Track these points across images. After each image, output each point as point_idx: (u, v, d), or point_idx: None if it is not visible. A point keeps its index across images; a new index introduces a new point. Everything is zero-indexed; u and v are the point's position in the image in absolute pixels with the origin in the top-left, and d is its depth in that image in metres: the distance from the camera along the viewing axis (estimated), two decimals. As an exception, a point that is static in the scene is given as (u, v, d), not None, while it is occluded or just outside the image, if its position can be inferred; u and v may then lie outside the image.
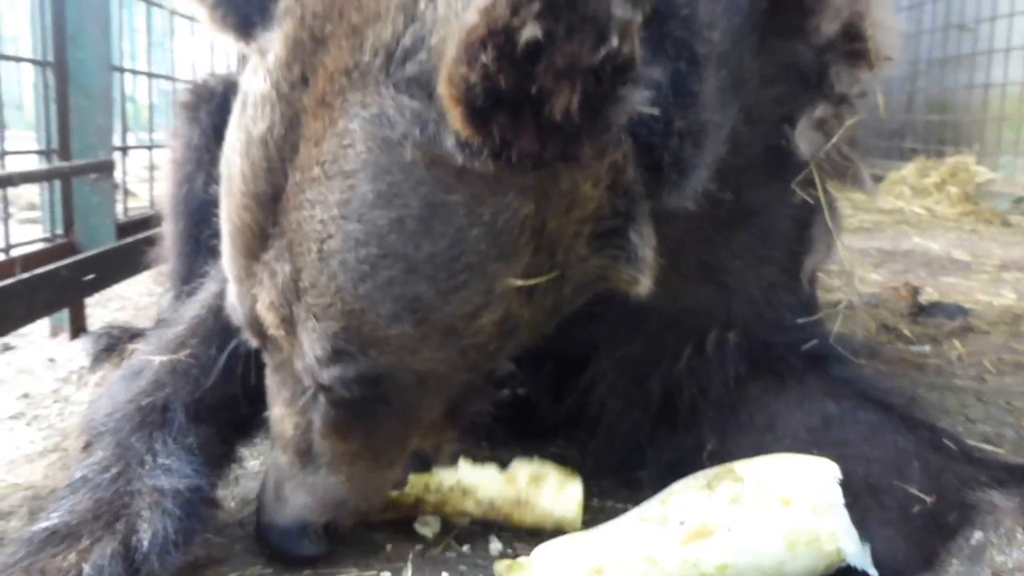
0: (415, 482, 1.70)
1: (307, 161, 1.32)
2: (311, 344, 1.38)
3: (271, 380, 1.58)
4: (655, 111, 1.35)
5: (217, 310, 1.80)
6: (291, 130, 1.34)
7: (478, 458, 1.76)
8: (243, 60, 1.64)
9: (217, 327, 1.79)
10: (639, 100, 1.25)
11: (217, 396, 1.74)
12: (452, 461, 1.72)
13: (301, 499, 1.57)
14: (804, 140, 1.65)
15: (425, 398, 1.53)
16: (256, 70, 1.41)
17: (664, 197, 1.49)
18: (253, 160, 1.37)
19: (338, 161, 1.29)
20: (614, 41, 1.10)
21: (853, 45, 1.65)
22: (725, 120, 1.57)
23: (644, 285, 1.49)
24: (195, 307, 1.90)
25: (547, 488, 1.67)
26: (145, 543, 1.44)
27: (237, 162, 1.40)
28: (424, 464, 1.72)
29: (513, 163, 1.25)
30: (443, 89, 1.18)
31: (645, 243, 1.46)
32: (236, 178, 1.40)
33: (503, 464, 1.73)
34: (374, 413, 1.50)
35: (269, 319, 1.42)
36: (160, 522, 1.46)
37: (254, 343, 1.56)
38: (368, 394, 1.44)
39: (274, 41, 1.39)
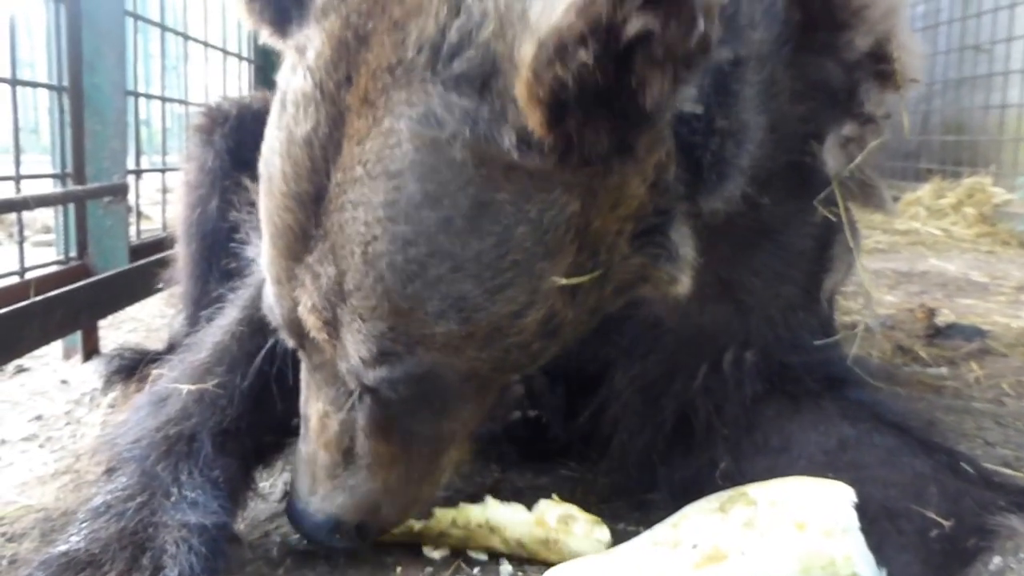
0: (441, 517, 1.70)
1: (350, 161, 1.30)
2: (356, 346, 1.38)
3: (309, 379, 1.58)
4: (699, 109, 1.36)
5: (240, 336, 1.82)
6: (335, 129, 1.32)
7: (489, 480, 1.75)
8: (257, 83, 1.65)
9: (241, 354, 1.79)
10: (688, 95, 1.27)
11: (243, 425, 1.74)
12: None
13: (338, 498, 1.58)
14: (832, 157, 1.63)
15: (467, 401, 1.53)
16: (295, 68, 1.40)
17: (702, 199, 1.49)
18: (296, 160, 1.36)
19: (383, 161, 1.28)
20: (702, 24, 1.09)
21: (880, 66, 1.65)
22: (760, 125, 1.56)
23: (684, 284, 1.47)
24: (218, 333, 1.89)
25: (577, 529, 1.66)
26: None
27: (277, 162, 1.39)
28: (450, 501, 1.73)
29: (573, 159, 1.25)
30: (522, 90, 1.16)
31: (685, 242, 1.46)
32: (277, 178, 1.39)
33: (531, 493, 1.75)
34: (417, 414, 1.51)
35: (311, 322, 1.42)
36: (187, 560, 1.44)
37: (291, 344, 1.56)
38: (413, 394, 1.44)
39: (313, 38, 1.37)
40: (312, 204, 1.35)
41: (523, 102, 1.17)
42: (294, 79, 1.39)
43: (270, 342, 1.74)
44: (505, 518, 1.69)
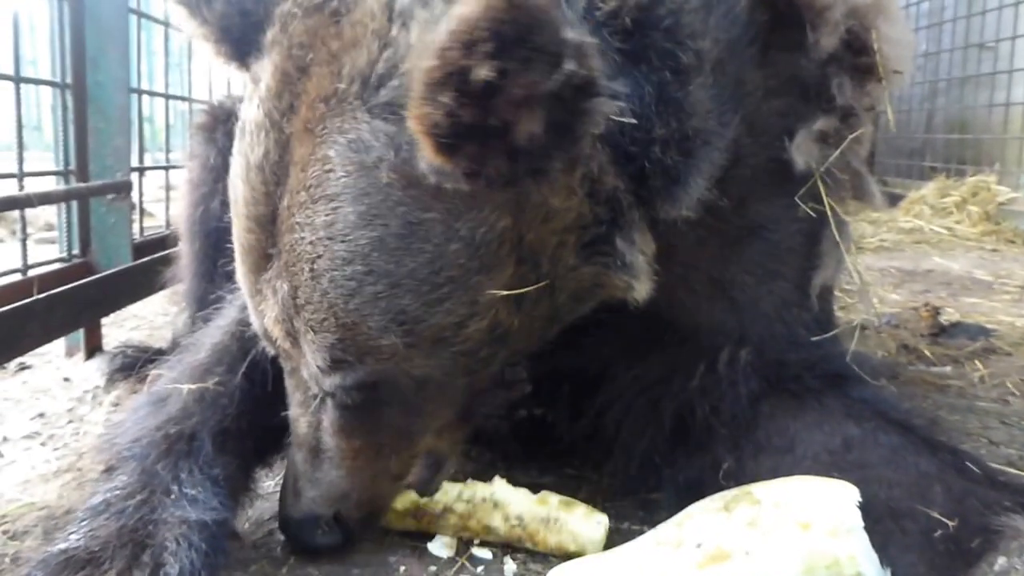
0: (448, 490, 1.74)
1: (296, 185, 1.41)
2: (312, 355, 1.48)
3: (288, 383, 1.65)
4: (631, 120, 1.39)
5: (240, 336, 1.83)
6: (282, 156, 1.43)
7: (492, 478, 1.76)
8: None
9: (240, 354, 1.80)
10: (609, 111, 1.30)
11: (243, 424, 1.74)
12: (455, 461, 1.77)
13: (310, 493, 1.64)
14: (800, 152, 1.66)
15: (427, 401, 1.59)
16: (251, 98, 1.50)
17: (658, 206, 1.53)
18: (252, 185, 1.47)
19: (322, 185, 1.37)
20: (569, 65, 1.16)
21: (859, 59, 1.66)
22: (723, 129, 1.59)
23: (640, 291, 1.53)
24: (217, 333, 1.90)
25: (577, 511, 1.71)
26: None
27: (240, 186, 1.50)
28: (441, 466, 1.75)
29: (484, 182, 1.31)
30: (411, 124, 1.23)
31: (636, 249, 1.51)
32: (240, 202, 1.50)
33: (535, 488, 1.77)
34: (377, 414, 1.58)
35: (276, 332, 1.52)
36: (187, 556, 1.45)
37: (271, 351, 1.64)
38: (368, 398, 1.53)
39: (264, 70, 1.48)
40: (268, 225, 1.46)
41: (416, 133, 1.25)
42: (249, 108, 1.51)
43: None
44: (509, 495, 1.73)
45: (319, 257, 1.39)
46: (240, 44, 1.57)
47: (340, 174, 1.36)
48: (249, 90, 1.54)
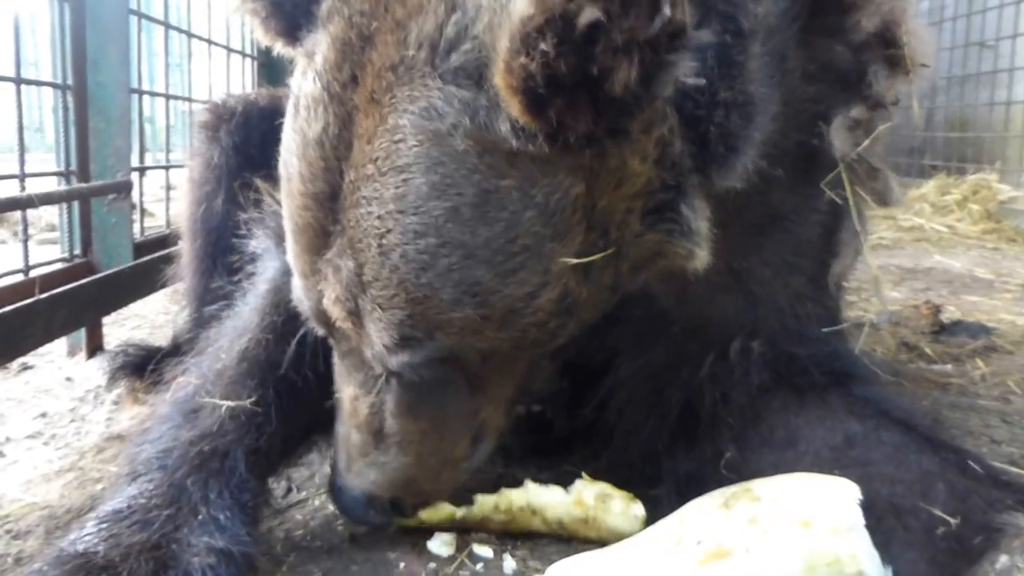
0: (484, 502, 1.75)
1: (361, 159, 1.36)
2: (379, 334, 1.44)
3: (340, 365, 1.64)
4: (701, 82, 1.36)
5: (267, 345, 1.79)
6: (344, 129, 1.38)
7: (492, 475, 1.76)
8: (261, 80, 1.66)
9: (268, 366, 1.77)
10: (686, 70, 1.27)
11: (274, 443, 1.73)
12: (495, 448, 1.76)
13: (372, 475, 1.63)
14: (839, 138, 1.66)
15: (491, 376, 1.58)
16: (305, 73, 1.45)
17: (714, 172, 1.49)
18: (310, 161, 1.42)
19: (391, 157, 1.33)
20: (667, 9, 1.12)
21: (889, 50, 1.67)
22: (771, 99, 1.56)
23: (701, 259, 1.50)
24: (241, 339, 1.85)
25: (614, 506, 1.71)
26: None
27: (295, 163, 1.45)
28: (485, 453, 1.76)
29: (566, 143, 1.27)
30: (500, 80, 1.21)
31: (698, 215, 1.48)
32: (295, 179, 1.45)
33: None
34: (443, 393, 1.56)
35: (336, 312, 1.47)
36: None
37: (321, 332, 1.61)
38: (436, 375, 1.50)
39: (320, 43, 1.43)
40: (329, 202, 1.41)
41: (503, 91, 1.22)
42: (304, 83, 1.45)
43: (292, 349, 1.76)
44: (545, 500, 1.73)
45: (388, 232, 1.35)
46: (291, 19, 1.52)
47: (412, 143, 1.32)
48: (302, 65, 1.49)
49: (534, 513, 1.74)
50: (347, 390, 1.63)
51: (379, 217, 1.35)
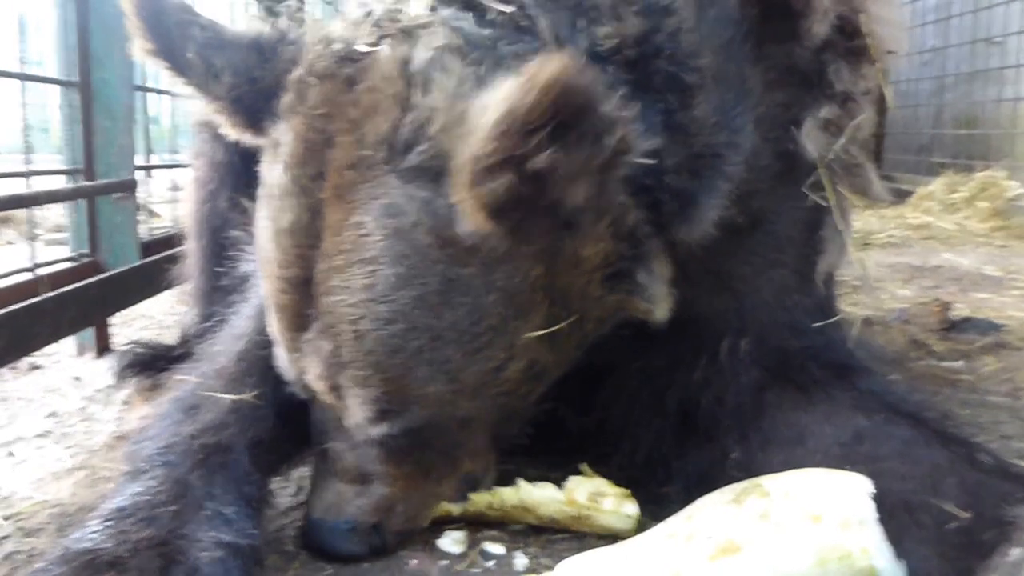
0: (478, 500, 1.76)
1: (331, 249, 1.45)
2: (358, 408, 1.53)
3: (323, 420, 1.66)
4: (650, 162, 1.43)
5: (263, 344, 1.79)
6: (314, 221, 1.47)
7: (506, 474, 1.76)
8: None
9: (266, 364, 1.77)
10: (634, 159, 1.37)
11: (274, 436, 1.73)
12: (492, 481, 1.79)
13: (356, 502, 1.66)
14: (811, 141, 1.68)
15: (468, 435, 1.66)
16: (273, 163, 1.55)
17: (674, 230, 1.56)
18: (284, 248, 1.51)
19: (358, 249, 1.42)
20: (610, 139, 1.24)
21: (852, 42, 1.67)
22: (739, 138, 1.60)
23: (660, 314, 1.58)
24: (239, 342, 1.86)
25: (606, 504, 1.71)
26: None
27: (271, 249, 1.54)
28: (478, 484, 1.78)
29: (522, 240, 1.38)
30: (458, 196, 1.30)
31: (655, 279, 1.56)
32: (272, 263, 1.54)
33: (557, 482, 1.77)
34: (421, 450, 1.63)
35: (318, 387, 1.56)
36: None
37: (303, 397, 1.67)
38: (415, 440, 1.59)
39: (285, 135, 1.52)
40: (303, 286, 1.50)
41: (463, 205, 1.31)
42: (273, 172, 1.54)
43: None
44: (537, 498, 1.74)
45: (361, 318, 1.44)
46: (252, 112, 1.58)
47: (376, 238, 1.40)
48: (269, 154, 1.57)
49: (527, 510, 1.75)
50: (332, 444, 1.66)
51: (351, 304, 1.43)
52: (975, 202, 6.63)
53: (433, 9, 1.48)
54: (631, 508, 1.70)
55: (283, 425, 1.75)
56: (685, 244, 1.59)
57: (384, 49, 1.45)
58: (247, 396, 1.71)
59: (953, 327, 3.40)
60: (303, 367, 1.57)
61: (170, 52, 1.56)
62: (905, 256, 5.38)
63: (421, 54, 1.41)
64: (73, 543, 1.43)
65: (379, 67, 1.43)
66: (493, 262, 1.41)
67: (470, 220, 1.33)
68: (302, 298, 1.51)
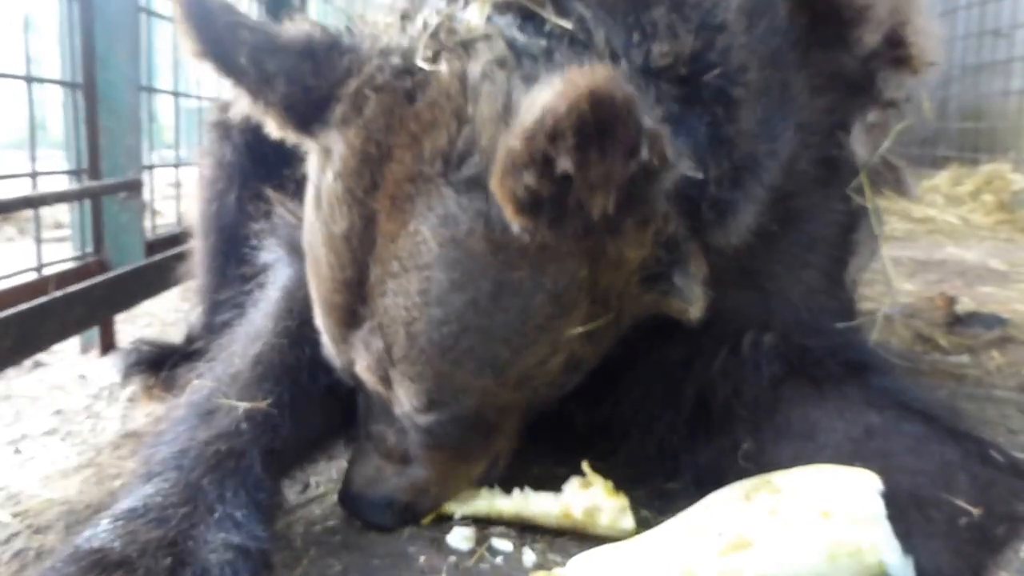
0: (477, 508, 1.79)
1: (386, 256, 1.50)
2: (408, 399, 1.61)
3: (369, 404, 1.76)
4: (697, 175, 1.48)
5: (281, 349, 1.84)
6: (368, 228, 1.52)
7: (513, 470, 1.76)
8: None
9: (282, 369, 1.81)
10: (678, 174, 1.39)
11: (288, 444, 1.74)
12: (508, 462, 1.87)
13: (394, 481, 1.75)
14: (860, 144, 1.73)
15: (505, 420, 1.75)
16: (324, 169, 1.58)
17: (709, 236, 1.60)
18: (338, 252, 1.56)
19: (413, 257, 1.47)
20: (644, 154, 1.25)
21: (897, 52, 1.72)
22: (778, 147, 1.65)
23: (694, 314, 1.62)
24: (256, 344, 1.86)
25: (602, 519, 1.71)
26: None
27: (323, 252, 1.59)
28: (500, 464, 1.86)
29: (566, 235, 1.40)
30: (495, 190, 1.32)
31: (691, 281, 1.59)
32: (324, 266, 1.60)
33: (553, 478, 1.79)
34: (463, 436, 1.71)
35: (367, 378, 1.64)
36: None
37: (350, 383, 1.75)
38: (459, 428, 1.67)
39: (337, 144, 1.55)
40: (357, 287, 1.56)
41: (499, 199, 1.34)
42: (325, 179, 1.58)
43: (306, 355, 1.81)
44: (534, 511, 1.75)
45: (415, 320, 1.50)
46: (304, 118, 1.59)
47: (432, 246, 1.45)
48: (320, 158, 1.60)
49: (524, 521, 1.77)
50: (376, 425, 1.75)
51: (405, 308, 1.50)
52: (980, 195, 6.61)
53: (489, 18, 1.50)
54: (627, 522, 1.69)
55: (298, 428, 1.76)
56: (719, 249, 1.63)
57: (444, 65, 1.47)
58: (262, 404, 1.71)
59: (958, 321, 3.39)
60: (352, 359, 1.64)
61: (220, 55, 1.55)
62: (909, 250, 5.37)
63: (477, 68, 1.44)
64: (83, 542, 1.43)
65: (440, 83, 1.46)
66: (542, 263, 1.45)
67: (506, 212, 1.35)
68: (355, 298, 1.57)
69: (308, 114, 1.58)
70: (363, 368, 1.62)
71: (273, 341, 1.85)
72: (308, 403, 1.80)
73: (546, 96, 1.19)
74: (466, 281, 1.46)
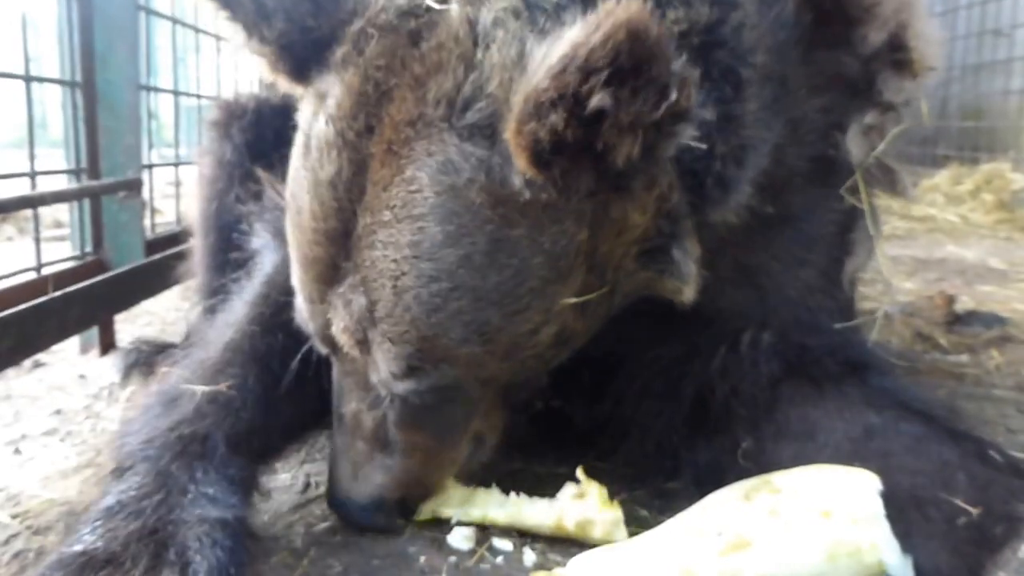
0: (471, 513, 1.77)
1: (376, 204, 1.43)
2: (386, 363, 1.52)
3: (342, 381, 1.69)
4: (702, 146, 1.43)
5: (252, 335, 1.83)
6: (358, 175, 1.45)
7: (510, 469, 1.76)
8: (270, 87, 1.67)
9: (252, 354, 1.80)
10: (688, 135, 1.33)
11: (255, 427, 1.73)
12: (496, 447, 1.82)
13: (379, 479, 1.69)
14: (855, 146, 1.73)
15: (488, 394, 1.68)
16: (317, 114, 1.50)
17: (707, 212, 1.58)
18: (322, 200, 1.48)
19: (407, 206, 1.40)
20: (673, 95, 1.20)
21: (897, 55, 1.72)
22: (769, 135, 1.63)
23: (688, 295, 1.58)
24: (228, 331, 1.88)
25: (595, 532, 1.69)
26: (202, 574, 1.40)
27: (306, 200, 1.51)
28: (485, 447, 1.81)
29: (571, 194, 1.36)
30: (510, 137, 1.26)
31: (688, 258, 1.56)
32: (306, 214, 1.52)
33: (550, 491, 1.76)
34: (442, 409, 1.64)
35: (344, 340, 1.55)
36: (213, 553, 1.43)
37: (324, 352, 1.68)
38: (438, 399, 1.59)
39: (333, 87, 1.48)
40: (341, 239, 1.48)
41: (512, 147, 1.29)
42: (316, 124, 1.51)
43: (279, 341, 1.79)
44: (528, 523, 1.73)
45: (403, 275, 1.43)
46: (300, 61, 1.55)
47: (428, 195, 1.39)
48: (313, 105, 1.54)
49: (517, 528, 1.76)
50: (349, 405, 1.68)
51: (394, 260, 1.43)
52: (980, 194, 6.61)
53: None
54: (620, 535, 1.67)
55: (267, 413, 1.75)
56: (711, 228, 1.62)
57: (454, 7, 1.42)
58: (222, 387, 1.71)
59: (958, 320, 3.39)
60: (329, 319, 1.56)
61: None
62: (909, 249, 5.37)
63: (489, 14, 1.39)
64: (67, 547, 1.44)
65: (448, 25, 1.41)
66: (542, 221, 1.40)
67: (517, 162, 1.31)
68: (337, 250, 1.50)
69: (304, 56, 1.54)
70: (340, 329, 1.54)
71: (246, 328, 1.85)
72: (279, 389, 1.77)
73: (575, 32, 1.16)
74: (461, 235, 1.40)
